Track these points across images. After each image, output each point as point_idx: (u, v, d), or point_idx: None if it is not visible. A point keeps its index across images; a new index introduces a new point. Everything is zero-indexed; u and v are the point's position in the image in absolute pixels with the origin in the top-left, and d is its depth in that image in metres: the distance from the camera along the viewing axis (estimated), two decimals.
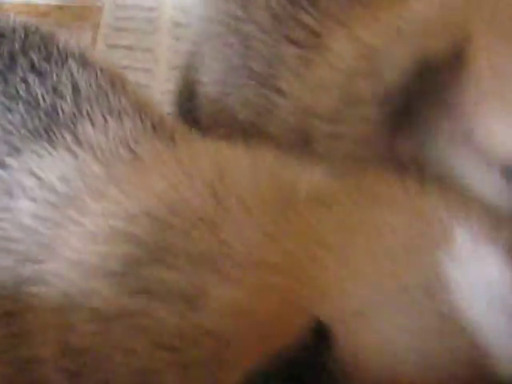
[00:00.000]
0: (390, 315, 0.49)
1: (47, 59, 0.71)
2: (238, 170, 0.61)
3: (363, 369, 0.48)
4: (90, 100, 0.68)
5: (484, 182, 0.56)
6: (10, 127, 0.67)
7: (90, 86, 0.69)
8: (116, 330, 0.57)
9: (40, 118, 0.67)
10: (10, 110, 0.69)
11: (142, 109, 0.69)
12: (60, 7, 1.32)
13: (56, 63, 0.70)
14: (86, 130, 0.66)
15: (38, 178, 0.65)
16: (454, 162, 0.56)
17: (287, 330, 0.47)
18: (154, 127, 0.67)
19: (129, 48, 1.21)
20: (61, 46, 0.72)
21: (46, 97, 0.68)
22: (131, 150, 0.66)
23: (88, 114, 0.67)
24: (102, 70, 0.71)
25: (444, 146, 0.56)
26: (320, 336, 0.47)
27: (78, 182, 0.65)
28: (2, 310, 0.64)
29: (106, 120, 0.67)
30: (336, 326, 0.47)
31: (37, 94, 0.69)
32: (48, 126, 0.67)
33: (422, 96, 0.55)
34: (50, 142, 0.66)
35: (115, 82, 0.70)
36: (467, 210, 0.54)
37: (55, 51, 0.71)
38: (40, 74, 0.70)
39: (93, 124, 0.66)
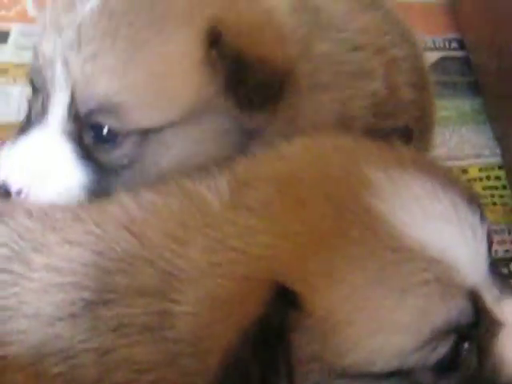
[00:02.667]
0: (345, 266, 0.53)
1: None
2: (147, 211, 0.65)
3: (333, 319, 0.53)
4: None
5: None
6: None
7: None
8: (80, 366, 0.61)
9: None
10: None
11: None
12: (17, 65, 1.27)
13: None
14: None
15: None
16: None
17: (255, 303, 0.52)
18: None
19: None
20: None
21: None
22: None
23: None
24: None
25: None
26: (286, 299, 0.52)
27: (17, 240, 0.68)
28: None
29: None
30: (299, 287, 0.53)
31: None
32: None
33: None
34: None
35: None
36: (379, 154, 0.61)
37: None
38: None
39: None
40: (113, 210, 0.69)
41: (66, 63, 0.71)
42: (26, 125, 0.78)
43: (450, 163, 1.21)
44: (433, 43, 1.36)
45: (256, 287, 0.54)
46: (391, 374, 0.56)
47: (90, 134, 0.73)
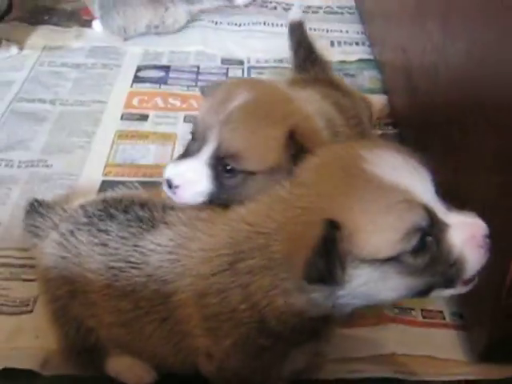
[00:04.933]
0: (358, 203, 0.72)
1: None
2: (251, 210, 0.84)
3: (357, 231, 0.71)
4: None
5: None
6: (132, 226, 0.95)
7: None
8: (230, 296, 0.81)
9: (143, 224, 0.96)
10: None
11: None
12: (153, 133, 1.62)
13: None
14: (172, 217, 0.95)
15: (157, 243, 0.91)
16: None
17: (318, 233, 0.71)
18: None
19: None
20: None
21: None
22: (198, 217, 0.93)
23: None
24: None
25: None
26: (334, 226, 0.70)
27: (178, 238, 0.90)
28: (158, 315, 0.89)
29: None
30: (345, 223, 0.71)
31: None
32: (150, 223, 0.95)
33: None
34: (153, 227, 0.94)
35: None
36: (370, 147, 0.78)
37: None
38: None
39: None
40: (231, 215, 0.88)
41: (218, 130, 0.97)
42: (184, 155, 1.03)
43: None
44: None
45: (315, 225, 0.71)
46: (389, 259, 0.73)
47: (220, 167, 0.98)
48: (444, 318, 1.17)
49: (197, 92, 1.75)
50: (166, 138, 1.62)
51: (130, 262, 0.89)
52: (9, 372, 1.04)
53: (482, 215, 0.89)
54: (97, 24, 2.04)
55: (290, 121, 0.99)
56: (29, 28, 2.04)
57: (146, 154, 1.56)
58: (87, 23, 2.06)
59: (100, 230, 0.94)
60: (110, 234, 0.93)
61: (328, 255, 0.70)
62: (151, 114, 1.70)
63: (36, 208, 1.07)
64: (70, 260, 0.94)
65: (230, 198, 1.01)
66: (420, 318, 1.16)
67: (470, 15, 1.10)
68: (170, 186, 1.01)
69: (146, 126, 1.66)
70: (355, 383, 1.04)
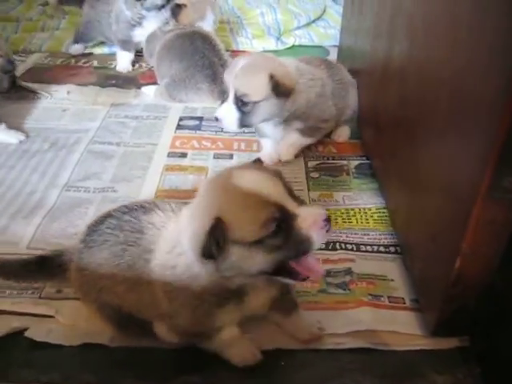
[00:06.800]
0: (233, 206, 0.78)
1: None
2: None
3: (232, 223, 0.77)
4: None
5: None
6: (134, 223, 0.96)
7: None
8: (172, 268, 0.86)
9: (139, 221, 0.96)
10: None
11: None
12: (191, 167, 1.58)
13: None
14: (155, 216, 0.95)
15: (142, 230, 0.93)
16: None
17: (211, 223, 0.77)
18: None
19: None
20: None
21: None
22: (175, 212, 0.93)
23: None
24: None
25: None
26: (221, 221, 0.77)
27: (159, 225, 0.92)
28: (143, 287, 0.90)
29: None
30: (224, 218, 0.77)
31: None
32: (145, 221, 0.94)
33: None
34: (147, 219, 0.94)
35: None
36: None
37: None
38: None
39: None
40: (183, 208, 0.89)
41: (233, 83, 1.36)
42: (222, 102, 1.42)
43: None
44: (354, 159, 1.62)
45: (211, 219, 0.77)
46: (257, 241, 0.77)
47: (239, 103, 1.38)
48: (405, 303, 1.14)
49: (223, 136, 1.75)
50: (200, 170, 1.59)
51: (131, 266, 0.92)
52: (87, 345, 1.04)
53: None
54: (146, 89, 2.01)
55: (269, 68, 1.35)
56: (101, 90, 2.03)
57: (186, 181, 1.52)
58: (143, 86, 2.03)
59: (102, 241, 0.97)
60: (107, 242, 0.96)
61: (214, 239, 0.76)
62: (189, 152, 1.68)
63: (51, 262, 1.08)
64: (90, 267, 0.97)
65: (251, 120, 1.41)
66: (387, 303, 1.13)
67: (419, 80, 1.13)
68: (217, 119, 1.41)
69: (185, 162, 1.63)
70: (340, 352, 1.03)
